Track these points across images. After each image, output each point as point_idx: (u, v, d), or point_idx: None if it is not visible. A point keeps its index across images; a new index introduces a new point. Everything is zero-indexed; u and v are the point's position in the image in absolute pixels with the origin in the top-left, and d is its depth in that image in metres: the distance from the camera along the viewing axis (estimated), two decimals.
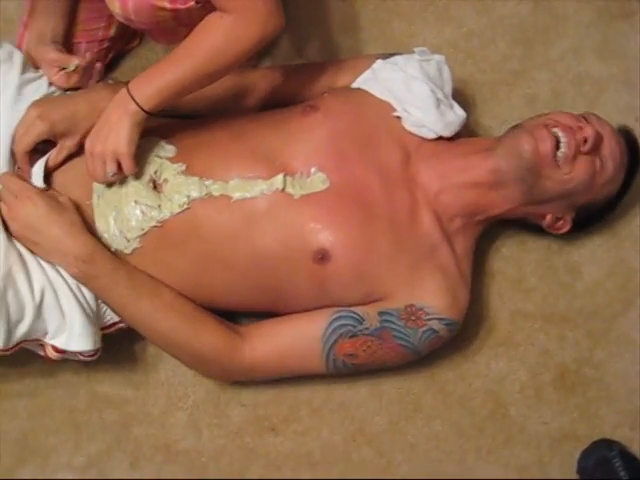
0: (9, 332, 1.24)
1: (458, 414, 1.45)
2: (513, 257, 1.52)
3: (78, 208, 1.32)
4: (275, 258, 1.30)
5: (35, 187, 1.31)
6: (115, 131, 1.25)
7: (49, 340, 1.29)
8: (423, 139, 1.37)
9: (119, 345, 1.42)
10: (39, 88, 1.38)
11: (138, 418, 1.44)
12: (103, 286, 1.29)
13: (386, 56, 1.45)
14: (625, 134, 1.40)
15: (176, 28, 1.34)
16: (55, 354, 1.30)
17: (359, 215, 1.31)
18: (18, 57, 1.39)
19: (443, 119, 1.37)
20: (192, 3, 1.26)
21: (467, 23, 1.62)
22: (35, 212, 1.27)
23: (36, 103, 1.33)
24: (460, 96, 1.50)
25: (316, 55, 1.60)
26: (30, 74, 1.39)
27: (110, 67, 1.57)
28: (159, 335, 1.32)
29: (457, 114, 1.40)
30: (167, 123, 1.40)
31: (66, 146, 1.33)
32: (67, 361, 1.36)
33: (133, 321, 1.33)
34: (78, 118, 1.31)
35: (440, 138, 1.38)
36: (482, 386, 1.46)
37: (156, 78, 1.25)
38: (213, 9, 1.22)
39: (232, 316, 1.40)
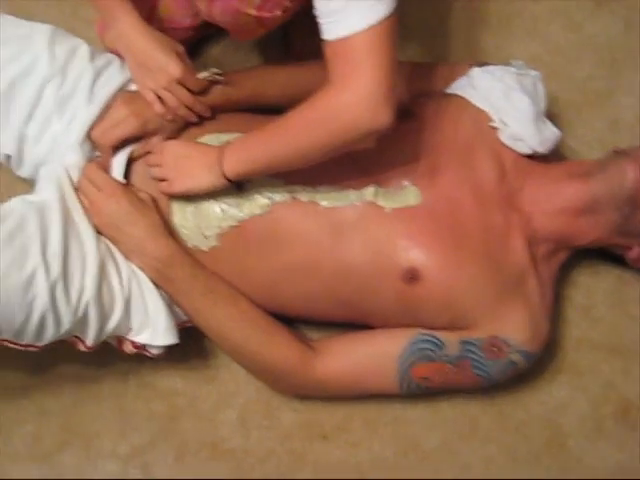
0: (100, 330, 1.22)
1: (514, 439, 1.41)
2: (583, 284, 1.48)
3: (156, 200, 1.28)
4: (361, 272, 1.25)
5: (117, 181, 1.27)
6: (189, 180, 1.23)
7: (133, 337, 1.26)
8: (518, 155, 1.33)
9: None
10: (113, 76, 1.33)
11: (186, 412, 1.41)
12: (179, 290, 1.26)
13: (480, 65, 1.40)
14: None
15: (257, 29, 1.30)
16: (133, 349, 1.27)
17: (452, 236, 1.26)
18: (84, 49, 1.32)
19: (540, 134, 1.33)
20: (278, 12, 1.22)
21: (554, 39, 1.59)
22: (118, 210, 1.24)
23: (127, 99, 1.29)
24: None
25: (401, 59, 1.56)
26: (100, 61, 1.33)
27: (196, 53, 1.53)
28: (231, 344, 1.29)
29: (552, 131, 1.35)
30: (255, 119, 1.34)
31: (152, 143, 1.29)
32: None
33: (206, 327, 1.29)
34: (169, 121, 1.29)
35: (533, 157, 1.34)
36: (541, 413, 1.43)
37: (249, 152, 1.19)
38: (297, 17, 1.17)
39: (305, 325, 1.38)
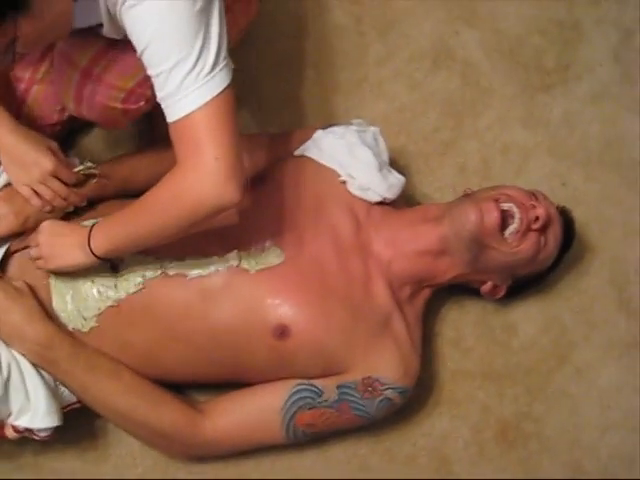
0: None
1: (404, 473, 1.48)
2: (451, 319, 1.57)
3: (35, 288, 1.33)
4: (233, 334, 1.32)
5: None
6: (62, 258, 1.27)
7: (12, 421, 1.29)
8: (370, 205, 1.42)
9: (65, 418, 1.38)
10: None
11: None
12: (62, 370, 1.30)
13: (324, 127, 1.51)
14: (563, 214, 1.47)
15: (123, 119, 1.37)
16: (14, 434, 1.30)
17: (316, 288, 1.33)
18: None
19: (386, 182, 1.42)
20: (142, 103, 1.30)
21: (399, 97, 1.71)
22: None
23: (7, 196, 1.34)
24: (395, 166, 1.56)
25: (254, 129, 1.66)
26: None
27: (67, 144, 1.59)
28: (119, 415, 1.33)
29: (397, 178, 1.45)
30: (121, 202, 1.40)
31: (31, 238, 1.34)
32: None
33: (93, 403, 1.33)
34: (48, 215, 1.34)
35: (385, 204, 1.43)
36: (426, 445, 1.50)
37: (112, 231, 1.23)
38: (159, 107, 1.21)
39: (190, 389, 1.43)
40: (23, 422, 1.29)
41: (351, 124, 1.51)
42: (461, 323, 1.57)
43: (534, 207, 1.38)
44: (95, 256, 1.25)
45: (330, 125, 1.52)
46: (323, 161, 1.45)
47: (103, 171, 1.40)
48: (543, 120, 1.71)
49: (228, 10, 1.33)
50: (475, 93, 1.72)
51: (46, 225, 1.31)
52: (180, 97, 1.10)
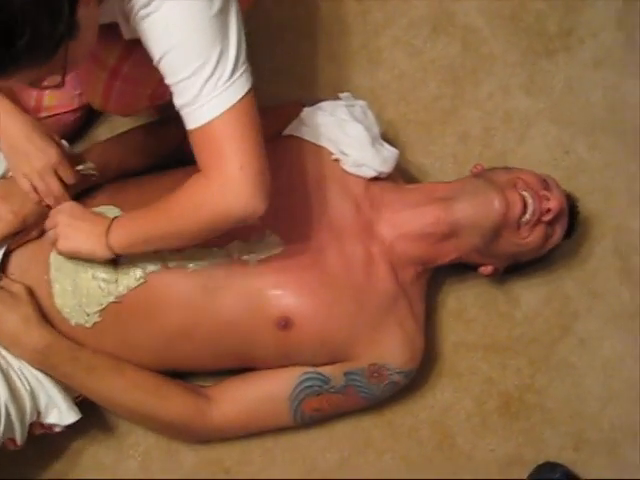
0: (22, 423, 1.26)
1: (407, 446, 1.48)
2: (453, 289, 1.56)
3: (35, 286, 1.31)
4: (237, 326, 1.30)
5: None
6: (76, 241, 1.24)
7: (42, 420, 1.29)
8: (367, 182, 1.38)
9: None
10: None
11: (89, 468, 1.44)
12: (64, 374, 1.29)
13: (310, 102, 1.46)
14: (568, 200, 1.43)
15: (145, 110, 1.34)
16: (40, 430, 1.31)
17: (317, 277, 1.31)
18: None
19: (380, 156, 1.38)
20: (168, 97, 1.17)
21: (399, 65, 1.67)
22: None
23: (4, 193, 1.30)
24: (393, 136, 1.55)
25: None
26: None
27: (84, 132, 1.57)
28: (126, 410, 1.33)
29: (390, 150, 1.41)
30: (122, 188, 1.38)
31: (31, 235, 1.32)
32: None
33: (99, 401, 1.34)
34: (46, 212, 1.31)
35: (382, 180, 1.39)
36: (429, 417, 1.50)
37: (133, 229, 1.21)
38: None
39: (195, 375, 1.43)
40: (52, 419, 1.30)
41: (339, 98, 1.47)
42: (463, 295, 1.56)
43: (547, 198, 1.35)
44: (109, 250, 1.22)
45: (317, 101, 1.47)
46: (314, 139, 1.40)
47: (99, 162, 1.37)
48: (545, 87, 1.67)
49: None
50: (476, 60, 1.68)
51: (67, 206, 1.28)
52: (199, 105, 1.06)
